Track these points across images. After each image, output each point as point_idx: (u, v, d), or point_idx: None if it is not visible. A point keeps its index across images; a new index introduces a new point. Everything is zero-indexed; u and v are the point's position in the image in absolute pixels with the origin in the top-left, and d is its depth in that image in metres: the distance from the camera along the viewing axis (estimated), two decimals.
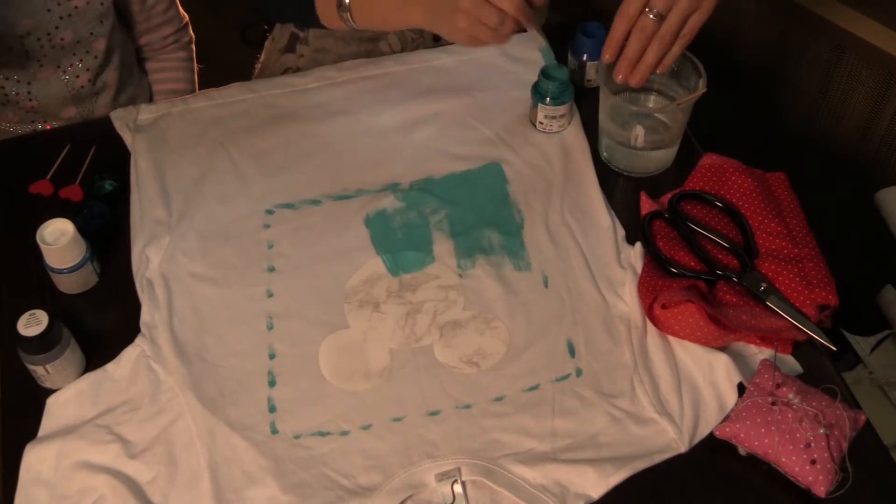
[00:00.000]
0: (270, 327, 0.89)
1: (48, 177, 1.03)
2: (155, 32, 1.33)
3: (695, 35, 0.85)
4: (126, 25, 1.31)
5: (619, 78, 0.84)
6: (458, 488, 0.77)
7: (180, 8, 1.34)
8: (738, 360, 0.84)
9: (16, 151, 1.10)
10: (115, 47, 1.26)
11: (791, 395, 0.77)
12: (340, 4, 0.97)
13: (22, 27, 1.13)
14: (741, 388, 0.81)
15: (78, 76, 1.22)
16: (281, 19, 1.10)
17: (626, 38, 0.87)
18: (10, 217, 1.01)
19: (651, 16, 0.82)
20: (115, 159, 1.05)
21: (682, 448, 0.79)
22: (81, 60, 1.21)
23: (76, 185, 1.01)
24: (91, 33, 1.20)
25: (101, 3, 1.18)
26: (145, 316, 0.90)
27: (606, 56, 0.86)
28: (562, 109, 1.04)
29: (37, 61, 1.17)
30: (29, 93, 1.19)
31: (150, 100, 1.37)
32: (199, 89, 1.15)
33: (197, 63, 1.42)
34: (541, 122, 1.06)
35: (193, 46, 1.39)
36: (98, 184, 1.02)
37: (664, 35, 0.83)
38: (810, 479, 0.75)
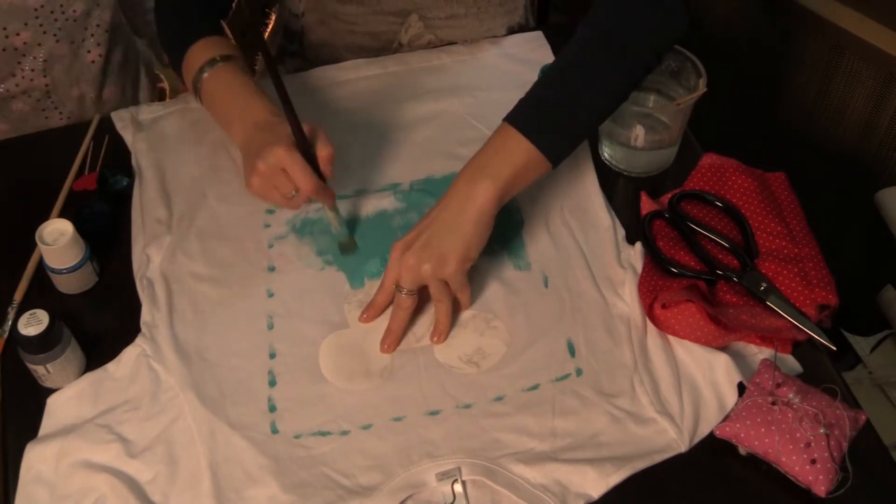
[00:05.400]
0: (271, 327, 0.90)
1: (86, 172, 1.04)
2: None
3: (466, 288, 0.87)
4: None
5: (383, 348, 0.87)
6: (458, 488, 0.77)
7: None
8: (738, 359, 0.84)
9: (13, 151, 1.10)
10: (118, 40, 1.26)
11: (791, 395, 0.77)
12: (195, 88, 0.98)
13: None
14: (741, 388, 0.81)
15: (89, 50, 1.22)
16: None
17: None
18: (10, 217, 1.01)
19: (403, 294, 0.86)
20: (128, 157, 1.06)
21: (683, 448, 0.79)
22: (93, 35, 1.20)
23: (94, 175, 1.03)
24: (97, 4, 1.19)
25: None
26: (146, 315, 0.90)
27: (363, 318, 0.89)
28: None
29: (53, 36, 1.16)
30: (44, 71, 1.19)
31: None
32: None
33: None
34: None
35: None
36: (111, 180, 1.01)
37: (437, 295, 0.86)
38: (810, 478, 0.75)
